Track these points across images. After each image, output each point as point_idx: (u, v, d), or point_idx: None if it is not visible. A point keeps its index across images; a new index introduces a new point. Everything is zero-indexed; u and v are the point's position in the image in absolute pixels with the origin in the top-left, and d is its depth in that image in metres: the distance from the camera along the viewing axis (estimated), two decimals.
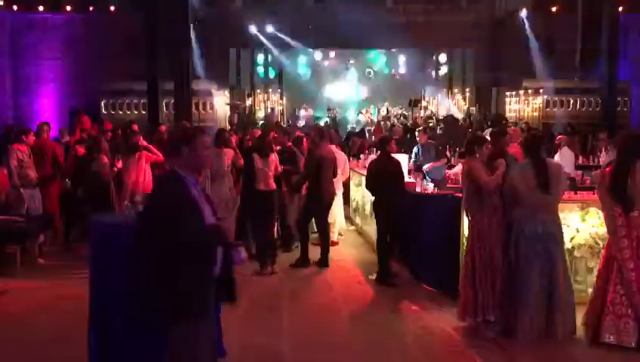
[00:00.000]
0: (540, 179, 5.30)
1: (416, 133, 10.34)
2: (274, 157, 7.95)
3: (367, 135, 15.53)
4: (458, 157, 9.72)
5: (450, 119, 16.40)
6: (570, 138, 11.00)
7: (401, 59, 24.97)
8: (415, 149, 9.94)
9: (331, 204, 8.45)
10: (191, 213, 3.22)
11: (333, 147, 9.11)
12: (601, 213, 5.62)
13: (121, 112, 17.06)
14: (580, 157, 11.18)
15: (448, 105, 22.74)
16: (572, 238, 6.16)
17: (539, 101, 18.33)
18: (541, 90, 18.20)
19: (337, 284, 7.31)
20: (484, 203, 5.51)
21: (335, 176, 8.47)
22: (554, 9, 19.39)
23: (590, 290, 5.66)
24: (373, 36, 19.52)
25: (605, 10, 16.84)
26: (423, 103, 23.16)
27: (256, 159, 7.79)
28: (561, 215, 5.60)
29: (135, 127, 8.77)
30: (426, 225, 7.14)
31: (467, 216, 5.77)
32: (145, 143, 8.33)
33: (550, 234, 5.33)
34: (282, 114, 22.59)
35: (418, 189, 7.80)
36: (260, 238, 7.82)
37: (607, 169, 5.28)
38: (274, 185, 7.85)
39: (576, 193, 6.66)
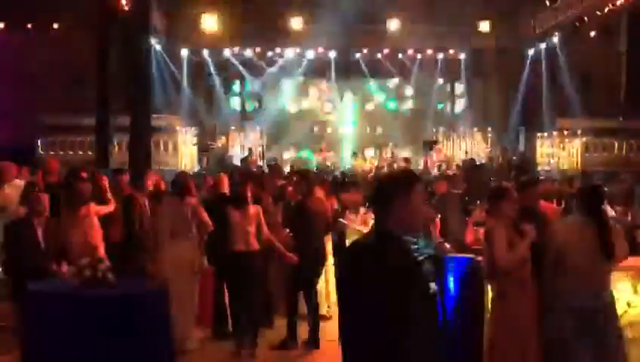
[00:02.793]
0: (602, 241, 5.25)
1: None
2: (255, 209, 7.92)
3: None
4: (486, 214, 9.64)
5: (470, 165, 16.56)
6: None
7: (408, 90, 25.36)
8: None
9: (323, 269, 8.47)
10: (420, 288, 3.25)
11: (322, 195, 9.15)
12: None
13: (62, 152, 17.09)
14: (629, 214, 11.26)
15: (467, 147, 23.03)
16: (622, 314, 6.17)
17: (576, 144, 18.62)
18: (579, 132, 18.51)
19: None
20: (509, 273, 5.44)
21: (327, 232, 8.50)
22: (592, 34, 19.88)
23: None
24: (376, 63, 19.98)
25: None
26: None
27: (232, 211, 7.78)
28: None
29: (84, 174, 8.75)
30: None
31: (491, 287, 5.73)
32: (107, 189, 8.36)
33: (605, 309, 5.29)
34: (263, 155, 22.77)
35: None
36: (237, 311, 7.78)
37: None
38: (256, 245, 7.81)
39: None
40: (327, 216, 8.43)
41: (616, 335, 5.33)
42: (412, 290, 3.19)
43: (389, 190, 3.35)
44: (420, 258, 3.28)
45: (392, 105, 25.63)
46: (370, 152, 23.92)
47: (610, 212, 10.06)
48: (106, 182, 8.94)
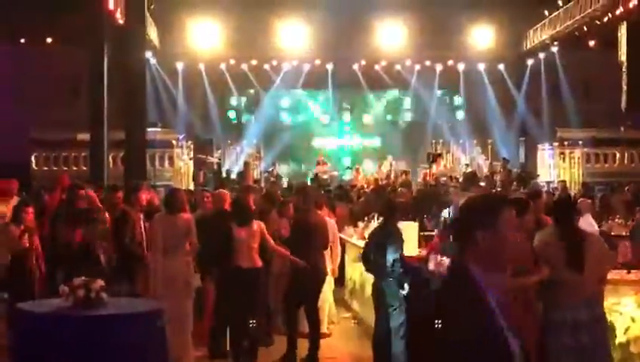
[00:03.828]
0: (569, 254, 5.24)
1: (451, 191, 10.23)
2: (258, 225, 7.87)
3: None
4: None
5: (470, 177, 16.53)
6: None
7: (407, 102, 25.42)
8: (446, 212, 9.67)
9: (323, 284, 8.44)
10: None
11: (325, 212, 9.15)
12: None
13: (55, 168, 17.06)
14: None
15: (467, 159, 23.05)
16: (626, 329, 6.12)
17: (577, 155, 18.62)
18: (579, 143, 18.52)
19: None
20: (514, 294, 5.37)
21: (326, 248, 8.47)
22: (591, 43, 19.95)
23: None
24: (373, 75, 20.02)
25: None
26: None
27: (236, 228, 7.73)
28: (612, 300, 5.56)
29: (82, 191, 8.68)
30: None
31: None
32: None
33: (589, 324, 5.23)
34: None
35: (431, 266, 7.78)
36: (236, 328, 7.72)
37: None
38: (259, 262, 7.78)
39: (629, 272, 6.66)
40: (326, 231, 8.40)
41: (603, 354, 5.28)
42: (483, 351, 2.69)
43: (470, 219, 2.86)
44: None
45: (390, 117, 25.67)
46: (368, 165, 23.93)
47: (592, 224, 9.94)
48: (95, 197, 8.94)
